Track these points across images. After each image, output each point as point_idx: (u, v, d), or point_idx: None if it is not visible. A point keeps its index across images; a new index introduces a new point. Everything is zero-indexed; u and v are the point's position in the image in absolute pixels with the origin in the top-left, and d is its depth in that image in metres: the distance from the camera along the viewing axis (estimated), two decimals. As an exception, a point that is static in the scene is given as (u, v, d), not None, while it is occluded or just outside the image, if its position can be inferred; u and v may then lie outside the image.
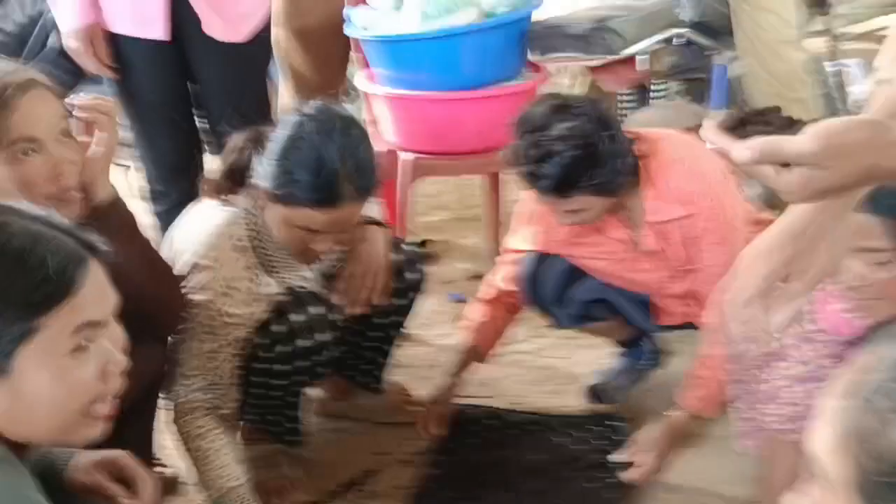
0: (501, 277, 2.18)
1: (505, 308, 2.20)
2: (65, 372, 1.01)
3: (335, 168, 1.70)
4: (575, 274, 2.08)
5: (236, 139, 1.86)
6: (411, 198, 2.64)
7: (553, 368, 2.47)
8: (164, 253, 1.90)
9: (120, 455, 1.27)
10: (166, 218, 1.96)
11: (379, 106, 2.59)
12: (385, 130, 2.61)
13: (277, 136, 1.75)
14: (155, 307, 1.70)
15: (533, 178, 1.84)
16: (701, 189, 1.90)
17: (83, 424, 1.06)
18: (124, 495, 1.23)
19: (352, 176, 1.71)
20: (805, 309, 1.54)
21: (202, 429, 1.80)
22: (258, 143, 1.78)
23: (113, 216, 1.61)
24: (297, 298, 1.89)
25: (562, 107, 1.83)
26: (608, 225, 1.98)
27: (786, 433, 1.60)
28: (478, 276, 2.95)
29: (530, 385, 2.40)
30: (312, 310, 1.87)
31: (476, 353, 2.20)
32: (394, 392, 2.29)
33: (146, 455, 1.94)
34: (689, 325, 2.14)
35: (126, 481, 1.25)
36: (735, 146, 0.96)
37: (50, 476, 1.19)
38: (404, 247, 2.08)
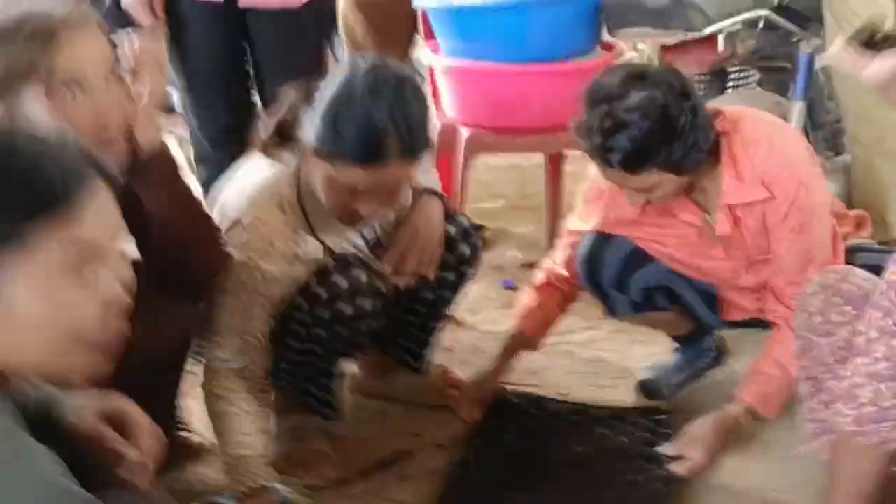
0: (559, 259, 2.06)
1: (559, 294, 2.08)
2: (58, 292, 0.93)
3: (382, 124, 1.61)
4: (638, 258, 1.95)
5: (288, 95, 1.78)
6: (469, 176, 2.54)
7: (604, 362, 2.35)
8: (210, 211, 1.83)
9: (124, 403, 1.21)
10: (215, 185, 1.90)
11: (441, 78, 2.49)
12: (446, 104, 2.51)
13: (327, 90, 1.66)
14: (193, 263, 1.64)
15: (602, 152, 1.71)
16: (786, 171, 1.75)
17: (77, 354, 0.97)
18: (123, 445, 1.17)
19: (400, 134, 1.62)
20: (891, 297, 1.39)
21: (227, 391, 1.72)
22: (309, 98, 1.70)
23: (156, 165, 1.54)
24: (342, 262, 1.80)
25: (638, 75, 1.70)
26: (680, 206, 1.85)
27: (863, 435, 1.46)
28: (531, 265, 2.85)
29: (579, 377, 2.28)
30: (357, 274, 1.78)
31: (524, 339, 2.09)
32: (435, 374, 2.19)
33: (170, 418, 1.88)
34: (757, 323, 2.01)
35: (127, 432, 1.19)
36: (870, 62, 0.83)
37: (50, 419, 1.13)
38: (460, 219, 1.98)
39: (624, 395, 2.17)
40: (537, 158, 3.83)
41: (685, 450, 1.84)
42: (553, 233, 2.97)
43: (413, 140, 1.64)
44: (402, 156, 1.64)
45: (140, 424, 1.20)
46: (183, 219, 1.59)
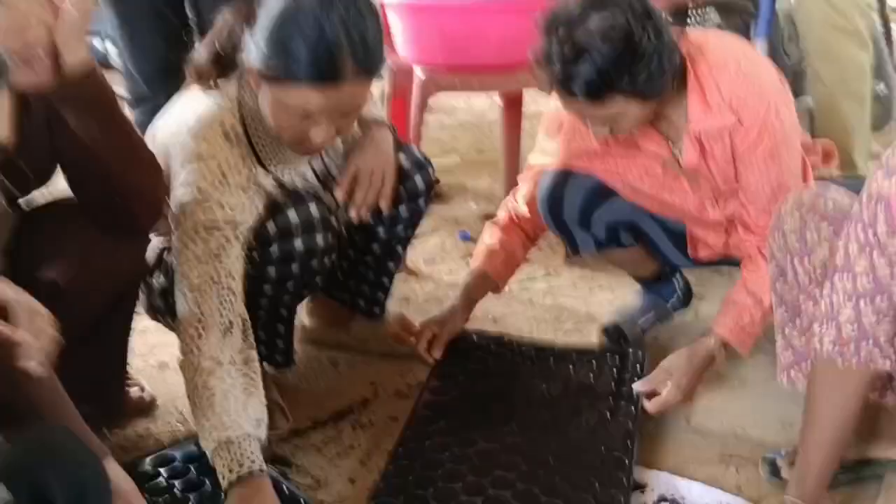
0: (521, 196, 1.97)
1: (522, 235, 1.99)
2: None
3: (336, 40, 1.48)
4: (602, 193, 1.87)
5: (224, 17, 1.64)
6: (423, 119, 2.43)
7: (566, 308, 2.28)
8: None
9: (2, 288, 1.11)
10: (148, 125, 1.75)
11: (393, 16, 2.38)
12: (399, 44, 2.40)
13: (271, 7, 1.54)
14: (134, 196, 1.51)
15: (564, 81, 1.61)
16: (755, 94, 1.67)
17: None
18: (10, 330, 1.09)
19: (355, 50, 1.50)
20: (873, 209, 1.32)
21: (210, 361, 1.50)
22: (250, 17, 1.57)
23: (88, 87, 1.41)
24: (295, 195, 1.68)
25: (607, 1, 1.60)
26: (645, 137, 1.77)
27: (843, 357, 1.39)
28: (488, 216, 2.76)
29: (541, 323, 2.21)
30: (308, 208, 1.67)
31: (487, 279, 1.98)
32: (394, 322, 2.09)
33: (120, 369, 1.76)
34: (726, 262, 1.94)
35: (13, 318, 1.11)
36: None
37: None
38: (411, 149, 1.87)
39: (588, 341, 2.10)
40: (491, 115, 3.78)
41: (658, 385, 1.76)
42: (511, 182, 2.89)
43: (369, 56, 1.52)
44: (358, 74, 1.51)
45: (26, 306, 1.11)
46: (122, 149, 1.47)
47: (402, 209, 1.85)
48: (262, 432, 1.50)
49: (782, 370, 1.65)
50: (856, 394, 1.43)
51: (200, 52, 1.66)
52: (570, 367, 1.91)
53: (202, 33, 2.21)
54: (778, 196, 1.71)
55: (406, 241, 1.96)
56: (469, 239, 2.63)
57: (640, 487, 1.63)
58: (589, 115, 1.68)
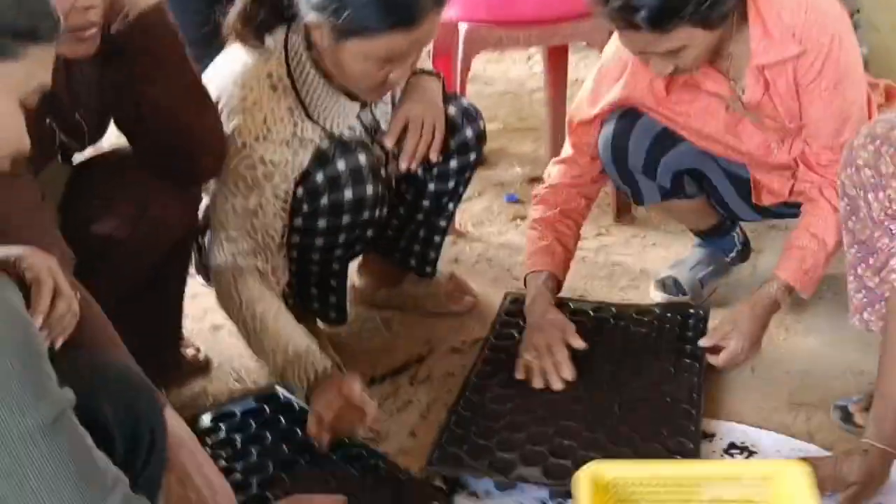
0: (573, 145, 1.91)
1: (574, 224, 1.90)
2: None
3: None
4: (667, 139, 1.81)
5: None
6: (468, 76, 2.39)
7: (622, 265, 2.23)
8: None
9: (21, 253, 1.08)
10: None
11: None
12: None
13: None
14: (199, 140, 1.50)
15: (627, 11, 1.55)
16: (818, 24, 1.61)
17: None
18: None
19: None
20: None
21: (254, 291, 1.58)
22: None
23: (159, 26, 1.41)
24: (343, 145, 1.65)
25: None
26: (706, 77, 1.70)
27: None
28: (534, 179, 2.75)
29: (596, 281, 2.17)
30: (361, 158, 1.64)
31: (555, 281, 1.85)
32: (446, 281, 2.06)
33: (176, 323, 1.75)
34: (788, 213, 1.87)
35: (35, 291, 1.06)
36: None
37: None
38: (461, 100, 1.84)
39: (644, 297, 2.06)
40: (531, 83, 3.73)
41: (723, 338, 1.72)
42: (557, 144, 2.84)
43: None
44: (434, 5, 1.52)
45: (40, 277, 1.06)
46: (186, 95, 1.46)
47: (453, 162, 1.81)
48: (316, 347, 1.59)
49: (855, 312, 1.58)
50: None
51: (240, 10, 1.61)
52: (631, 324, 1.87)
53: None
54: (843, 130, 1.65)
55: (457, 196, 1.91)
56: (516, 201, 2.60)
57: (709, 437, 1.60)
58: (653, 49, 1.61)
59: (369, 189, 1.65)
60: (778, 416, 1.65)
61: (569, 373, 1.67)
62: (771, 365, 1.79)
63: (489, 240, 2.40)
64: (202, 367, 1.85)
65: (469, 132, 1.81)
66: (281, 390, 1.68)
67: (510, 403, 1.63)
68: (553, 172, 1.94)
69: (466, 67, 2.31)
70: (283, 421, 1.60)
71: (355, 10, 1.48)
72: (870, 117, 1.75)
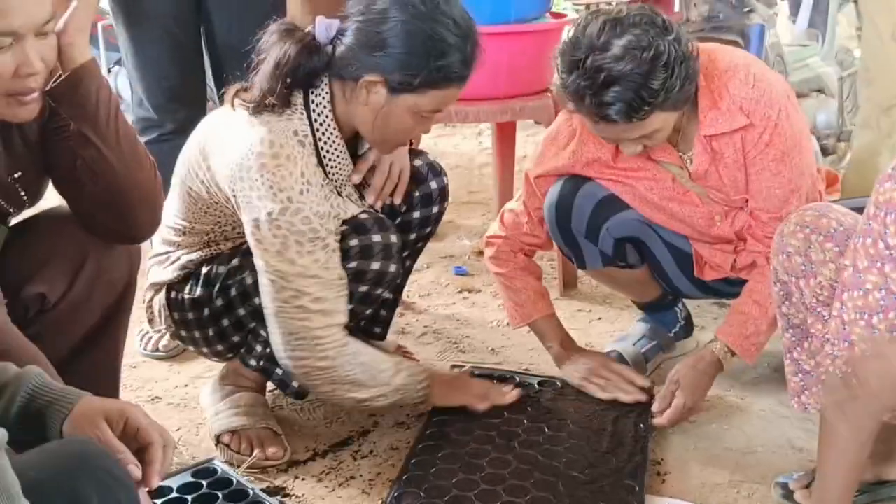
0: (520, 205, 1.94)
1: (525, 259, 1.96)
2: None
3: (469, 30, 1.59)
4: (611, 204, 1.85)
5: (266, 41, 1.62)
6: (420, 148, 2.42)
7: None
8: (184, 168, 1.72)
9: (128, 407, 1.10)
10: (155, 152, 1.71)
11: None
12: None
13: (381, 20, 1.55)
14: (136, 200, 1.48)
15: (600, 108, 1.59)
16: (765, 97, 1.67)
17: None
18: (131, 461, 1.05)
19: (473, 35, 1.60)
20: (882, 220, 1.31)
21: (341, 347, 1.63)
22: (341, 34, 1.59)
23: (93, 82, 1.41)
24: (381, 219, 1.70)
25: (615, 21, 1.59)
26: (656, 147, 1.75)
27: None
28: (483, 252, 2.76)
29: (541, 353, 2.16)
30: (394, 236, 1.70)
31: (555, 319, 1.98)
32: (392, 352, 2.04)
33: (115, 383, 1.70)
34: (730, 289, 1.91)
35: (132, 436, 1.08)
36: None
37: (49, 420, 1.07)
38: (427, 156, 1.88)
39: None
40: (480, 159, 3.79)
41: (667, 398, 1.76)
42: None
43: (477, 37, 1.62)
44: (476, 55, 1.61)
45: (148, 431, 1.09)
46: (124, 150, 1.44)
47: (416, 213, 1.85)
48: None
49: (793, 394, 1.61)
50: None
51: (261, 80, 1.61)
52: (576, 398, 1.87)
53: (215, 60, 2.21)
54: (790, 201, 1.70)
55: (417, 252, 1.93)
56: (465, 273, 2.61)
57: (652, 513, 1.59)
58: (627, 136, 1.66)
59: (393, 267, 1.68)
60: (720, 493, 1.65)
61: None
62: (713, 441, 1.80)
63: (436, 312, 2.40)
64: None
65: (434, 185, 1.84)
66: (219, 464, 1.64)
67: (454, 479, 1.61)
68: (506, 219, 1.97)
69: (417, 140, 2.34)
70: (220, 497, 1.55)
71: (448, 63, 1.55)
72: (820, 198, 1.81)
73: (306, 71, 1.60)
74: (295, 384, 1.79)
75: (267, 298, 1.61)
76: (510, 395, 1.81)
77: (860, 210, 1.43)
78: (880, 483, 1.60)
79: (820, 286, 1.48)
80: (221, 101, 1.76)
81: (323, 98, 1.62)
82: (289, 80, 1.59)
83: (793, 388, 1.61)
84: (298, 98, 1.62)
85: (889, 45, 2.48)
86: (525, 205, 1.93)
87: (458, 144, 4.08)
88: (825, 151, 2.90)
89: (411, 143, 1.86)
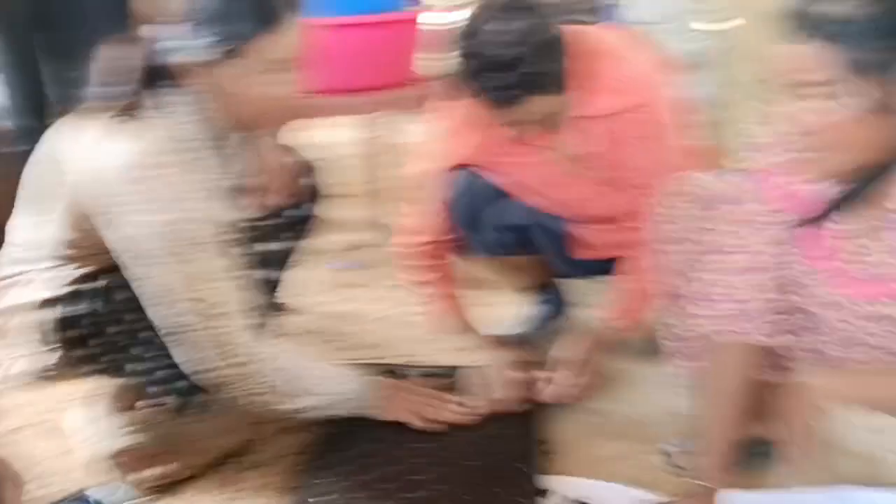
0: (429, 201, 1.93)
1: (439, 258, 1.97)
2: None
3: None
4: (497, 196, 1.86)
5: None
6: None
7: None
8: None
9: None
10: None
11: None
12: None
13: None
14: None
15: (484, 92, 1.62)
16: (636, 77, 1.72)
17: None
18: None
19: None
20: (744, 187, 1.37)
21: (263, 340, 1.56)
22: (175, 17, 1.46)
23: None
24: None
25: (502, 7, 1.62)
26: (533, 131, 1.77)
27: (720, 335, 1.42)
28: (356, 246, 2.74)
29: (424, 344, 2.17)
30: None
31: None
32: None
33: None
34: (609, 266, 1.96)
35: None
36: None
37: None
38: (298, 153, 1.84)
39: (470, 356, 2.07)
40: (340, 150, 3.74)
41: (554, 376, 1.79)
42: (376, 207, 2.87)
43: None
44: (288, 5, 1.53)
45: None
46: None
47: (295, 212, 1.81)
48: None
49: (668, 359, 1.67)
50: (740, 370, 1.46)
51: (118, 83, 1.50)
52: (461, 384, 1.87)
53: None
54: (662, 176, 1.75)
55: (295, 251, 1.90)
56: (339, 268, 2.57)
57: (544, 493, 1.61)
58: (508, 119, 1.68)
59: (278, 273, 1.71)
60: (609, 465, 1.69)
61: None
62: (596, 415, 1.84)
63: (314, 310, 2.35)
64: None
65: (310, 181, 1.82)
66: (91, 494, 1.55)
67: (348, 481, 1.58)
68: (417, 224, 1.96)
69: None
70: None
71: (227, 29, 1.42)
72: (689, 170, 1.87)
73: (163, 69, 1.51)
74: (173, 399, 1.71)
75: (164, 317, 1.52)
76: (453, 410, 1.74)
77: (725, 179, 1.50)
78: (753, 441, 1.67)
79: (689, 252, 1.54)
80: (69, 110, 1.64)
81: (187, 96, 1.52)
82: (149, 81, 1.50)
83: (668, 352, 1.67)
84: (161, 99, 1.53)
85: (743, 24, 2.61)
86: (433, 202, 1.92)
87: (317, 137, 4.00)
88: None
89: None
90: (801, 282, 1.36)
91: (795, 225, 1.35)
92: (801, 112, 1.19)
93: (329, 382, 1.63)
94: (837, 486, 1.58)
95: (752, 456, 1.67)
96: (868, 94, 1.13)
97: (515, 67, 1.58)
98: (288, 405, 1.59)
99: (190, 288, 1.48)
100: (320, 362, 1.67)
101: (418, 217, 1.96)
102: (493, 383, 1.84)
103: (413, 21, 2.25)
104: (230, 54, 1.45)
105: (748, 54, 2.68)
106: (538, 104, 1.64)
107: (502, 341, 2.00)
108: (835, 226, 1.30)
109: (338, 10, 2.21)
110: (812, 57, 1.15)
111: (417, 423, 1.70)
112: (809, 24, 1.14)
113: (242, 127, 1.60)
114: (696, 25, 3.19)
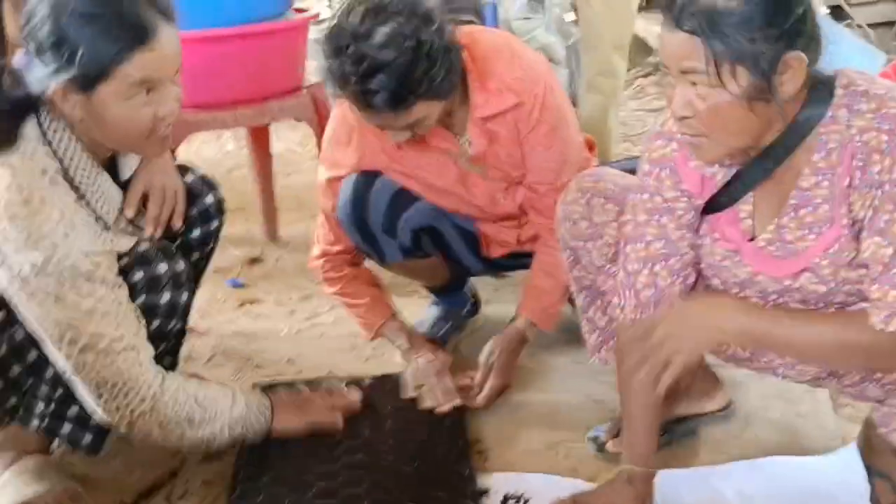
0: (321, 213, 1.91)
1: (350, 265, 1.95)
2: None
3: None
4: (404, 197, 1.85)
5: None
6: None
7: (358, 336, 2.20)
8: None
9: None
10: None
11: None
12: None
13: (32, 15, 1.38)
14: None
15: (364, 97, 1.58)
16: (530, 75, 1.74)
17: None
18: None
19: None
20: (657, 175, 1.41)
21: (159, 372, 1.51)
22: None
23: None
24: (165, 249, 1.58)
25: (376, 9, 1.58)
26: (433, 134, 1.77)
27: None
28: (255, 260, 2.68)
29: (342, 354, 2.14)
30: (181, 263, 1.60)
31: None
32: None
33: None
34: (518, 263, 1.99)
35: None
36: None
37: None
38: (197, 170, 1.76)
39: (389, 362, 2.06)
40: (229, 161, 3.65)
41: (478, 380, 1.81)
42: (271, 219, 2.81)
43: None
44: (163, 18, 1.44)
45: None
46: None
47: (196, 232, 1.74)
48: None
49: (592, 351, 1.70)
50: None
51: None
52: (384, 396, 1.86)
53: None
54: (563, 170, 1.78)
55: (200, 272, 1.82)
56: (240, 285, 2.51)
57: (484, 492, 1.62)
58: (392, 124, 1.66)
59: (185, 295, 1.58)
60: (540, 457, 1.71)
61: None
62: (522, 410, 1.86)
63: (220, 330, 2.28)
64: None
65: (210, 199, 1.75)
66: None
67: (285, 501, 1.54)
68: (318, 237, 1.95)
69: (173, 152, 2.20)
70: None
71: (86, 47, 1.34)
72: (588, 163, 1.91)
73: (34, 98, 1.42)
74: (88, 438, 1.63)
75: (58, 356, 1.44)
76: (353, 395, 1.79)
77: (631, 171, 1.54)
78: (675, 421, 1.74)
79: (606, 245, 1.57)
80: None
81: (58, 125, 1.44)
82: (18, 111, 1.42)
83: (591, 346, 1.70)
84: (33, 129, 1.43)
85: (601, 12, 2.70)
86: (325, 214, 1.89)
87: (199, 150, 3.89)
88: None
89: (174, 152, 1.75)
90: (719, 264, 1.41)
91: (709, 209, 1.40)
92: (681, 98, 1.24)
93: (235, 406, 1.59)
94: (759, 458, 1.65)
95: (679, 435, 1.73)
96: (739, 83, 1.19)
97: (406, 73, 1.57)
98: (197, 433, 1.55)
99: (82, 324, 1.42)
100: (214, 388, 1.61)
101: (323, 227, 1.93)
102: (424, 386, 1.85)
103: (301, 28, 2.22)
104: (98, 78, 1.38)
105: (620, 44, 2.78)
106: (424, 109, 1.64)
107: (428, 341, 2.00)
108: (748, 207, 1.36)
109: (218, 21, 2.15)
110: (686, 46, 1.20)
111: (329, 419, 1.72)
112: (681, 15, 1.19)
113: (126, 150, 1.54)
114: (568, 17, 3.30)
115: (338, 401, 1.77)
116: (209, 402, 1.56)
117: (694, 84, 1.22)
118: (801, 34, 1.19)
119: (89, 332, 1.42)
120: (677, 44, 1.21)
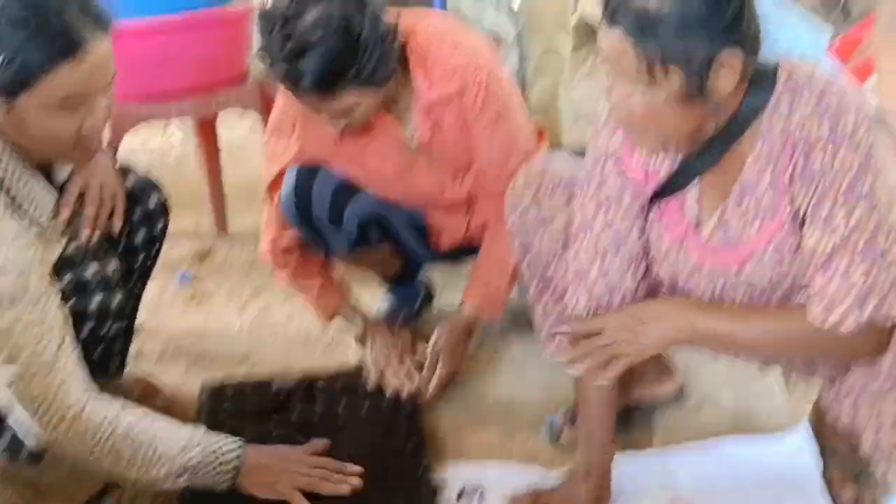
0: (268, 205, 1.88)
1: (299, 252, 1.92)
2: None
3: (55, 6, 1.30)
4: (348, 189, 1.83)
5: None
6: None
7: (316, 328, 2.19)
8: None
9: None
10: None
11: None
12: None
13: None
14: None
15: (292, 78, 1.56)
16: (473, 61, 1.72)
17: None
18: None
19: (82, 6, 1.35)
20: (602, 166, 1.40)
21: (103, 423, 1.40)
22: None
23: None
24: (96, 250, 1.55)
25: None
26: (377, 122, 1.74)
27: (599, 313, 1.45)
28: (205, 254, 2.63)
29: (296, 348, 2.12)
30: (113, 264, 1.57)
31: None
32: (131, 386, 1.87)
33: None
34: (465, 251, 1.98)
35: None
36: None
37: None
38: (137, 171, 1.71)
39: (346, 354, 2.04)
40: (176, 153, 3.58)
41: (430, 369, 1.81)
42: (220, 210, 2.76)
43: (93, 5, 1.39)
44: (97, 28, 1.35)
45: None
46: None
47: (140, 235, 1.69)
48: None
49: (547, 342, 1.69)
50: None
51: None
52: (339, 392, 1.83)
53: None
54: (511, 156, 1.76)
55: (145, 274, 1.78)
56: (190, 280, 2.46)
57: (441, 485, 1.61)
58: (323, 109, 1.64)
59: (117, 297, 1.54)
60: (496, 448, 1.71)
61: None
62: (476, 401, 1.86)
63: (170, 327, 2.24)
64: None
65: (153, 200, 1.70)
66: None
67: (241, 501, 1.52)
68: (269, 225, 1.91)
69: (115, 149, 2.15)
70: None
71: (11, 54, 1.28)
72: (536, 147, 1.90)
73: None
74: (30, 445, 1.58)
75: None
76: (352, 480, 1.56)
77: (580, 156, 1.53)
78: (630, 408, 1.75)
79: (557, 231, 1.56)
80: None
81: None
82: None
83: (544, 336, 1.69)
84: None
85: None
86: (273, 206, 1.86)
87: (145, 142, 3.81)
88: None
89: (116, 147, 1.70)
90: (666, 254, 1.41)
91: (656, 199, 1.39)
92: (616, 96, 1.23)
93: (186, 452, 1.44)
94: (710, 440, 1.67)
95: (633, 421, 1.74)
96: (673, 84, 1.18)
97: (334, 58, 1.54)
98: (119, 473, 1.44)
99: (6, 342, 1.34)
100: (165, 428, 1.46)
101: (271, 219, 1.89)
102: (389, 368, 1.85)
103: (244, 16, 2.17)
104: (21, 87, 1.30)
105: (562, 21, 2.77)
106: (356, 97, 1.62)
107: (386, 325, 1.99)
108: (695, 195, 1.35)
109: (160, 9, 2.09)
110: (620, 45, 1.19)
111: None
112: (615, 14, 1.18)
113: (51, 158, 1.47)
114: (515, 4, 3.27)
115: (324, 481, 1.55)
116: (146, 441, 1.41)
117: (629, 82, 1.21)
118: (736, 31, 1.17)
119: (6, 354, 1.34)
120: (611, 43, 1.20)
